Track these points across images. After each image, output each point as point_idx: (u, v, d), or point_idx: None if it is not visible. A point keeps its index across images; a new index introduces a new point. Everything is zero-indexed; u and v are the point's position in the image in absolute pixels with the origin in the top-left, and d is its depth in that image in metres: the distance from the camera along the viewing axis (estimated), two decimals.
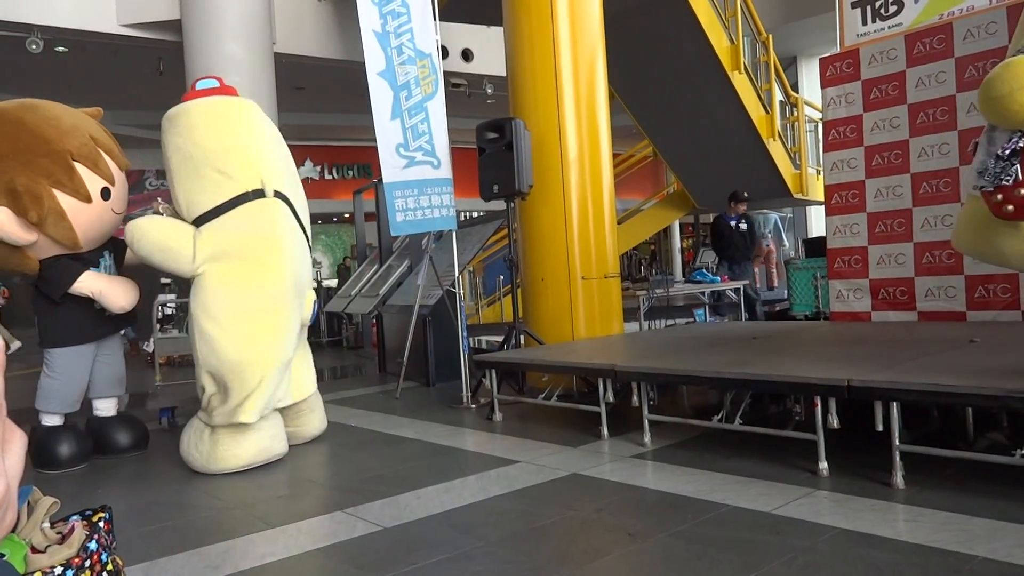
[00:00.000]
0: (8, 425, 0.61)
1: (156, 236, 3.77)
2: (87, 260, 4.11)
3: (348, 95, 11.85)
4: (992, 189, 2.39)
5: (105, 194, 4.03)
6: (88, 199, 3.93)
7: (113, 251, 4.33)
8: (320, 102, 13.10)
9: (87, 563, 1.13)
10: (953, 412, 3.49)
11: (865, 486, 2.80)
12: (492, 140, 5.26)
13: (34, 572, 1.06)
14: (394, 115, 5.30)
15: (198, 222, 3.80)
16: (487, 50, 10.00)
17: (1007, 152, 2.38)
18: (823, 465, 2.97)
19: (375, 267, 8.74)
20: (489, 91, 10.71)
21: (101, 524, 1.23)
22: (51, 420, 4.14)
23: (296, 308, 4.02)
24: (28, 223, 3.81)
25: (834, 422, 2.91)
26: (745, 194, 8.75)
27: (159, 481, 3.76)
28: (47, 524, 1.14)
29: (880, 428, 2.77)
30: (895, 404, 2.75)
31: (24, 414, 4.31)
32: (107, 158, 4.07)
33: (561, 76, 5.50)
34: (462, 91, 10.66)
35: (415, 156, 5.35)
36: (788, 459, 3.18)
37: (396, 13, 5.33)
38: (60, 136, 3.88)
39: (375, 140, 5.29)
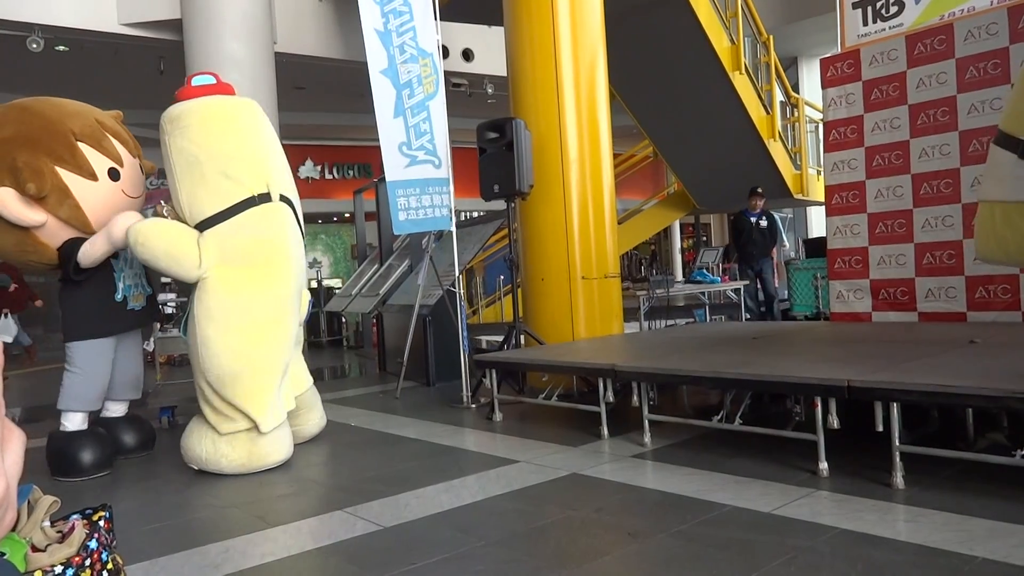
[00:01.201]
0: (7, 424, 0.61)
1: (159, 241, 3.67)
2: None
3: (348, 95, 11.84)
4: None
5: (113, 175, 3.99)
6: (93, 177, 3.89)
7: None
8: (320, 102, 13.10)
9: (87, 562, 1.13)
10: (953, 412, 3.49)
11: (865, 486, 2.80)
12: (493, 140, 5.26)
13: (34, 571, 1.06)
14: (396, 113, 5.30)
15: (202, 226, 3.70)
16: (487, 50, 9.98)
17: None
18: (823, 465, 2.97)
19: (375, 267, 8.73)
20: (489, 91, 10.70)
21: (101, 523, 1.23)
22: (74, 421, 3.94)
23: (296, 311, 4.00)
24: (33, 202, 3.76)
25: (834, 422, 2.91)
26: (759, 189, 8.76)
27: (159, 480, 3.76)
28: (47, 523, 1.14)
29: (880, 428, 2.77)
30: (895, 405, 2.75)
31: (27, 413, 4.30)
32: (115, 141, 4.05)
33: (562, 76, 5.50)
34: (463, 91, 10.64)
35: (417, 155, 5.35)
36: (788, 459, 3.18)
37: (398, 12, 5.33)
38: (63, 117, 3.90)
39: (376, 140, 5.29)
